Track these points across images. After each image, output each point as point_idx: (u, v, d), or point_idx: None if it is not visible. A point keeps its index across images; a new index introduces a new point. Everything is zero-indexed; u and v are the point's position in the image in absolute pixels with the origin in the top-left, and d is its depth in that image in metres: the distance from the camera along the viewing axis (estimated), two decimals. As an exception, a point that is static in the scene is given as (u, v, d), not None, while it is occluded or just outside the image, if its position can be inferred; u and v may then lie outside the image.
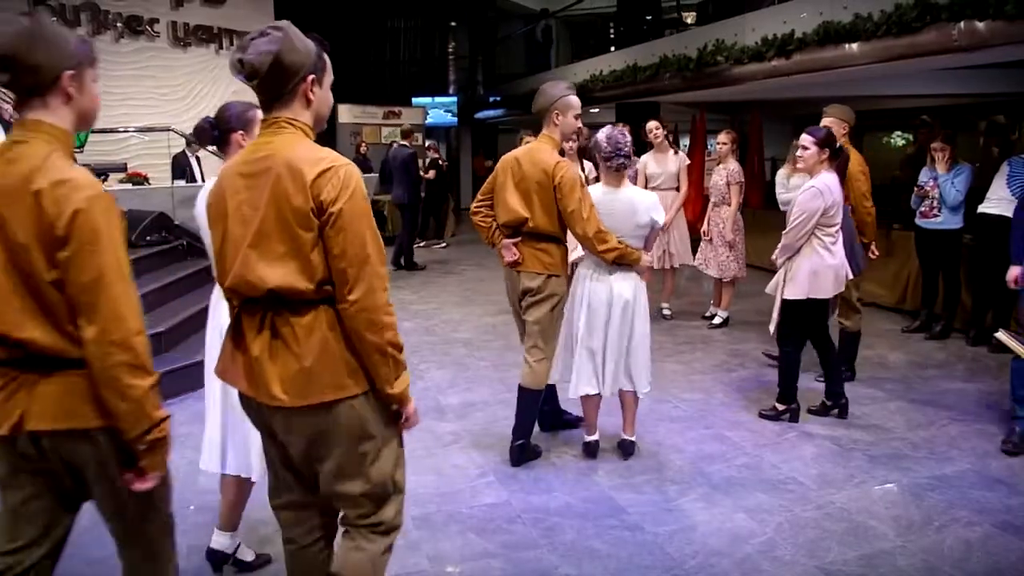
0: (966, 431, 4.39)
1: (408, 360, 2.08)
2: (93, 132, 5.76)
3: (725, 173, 6.73)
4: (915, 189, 6.26)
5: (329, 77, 2.03)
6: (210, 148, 2.94)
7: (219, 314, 2.73)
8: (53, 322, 1.76)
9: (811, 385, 5.13)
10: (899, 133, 15.92)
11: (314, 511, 2.20)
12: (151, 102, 10.28)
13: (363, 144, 14.17)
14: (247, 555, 3.10)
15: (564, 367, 4.06)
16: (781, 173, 6.30)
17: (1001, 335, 3.07)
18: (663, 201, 6.69)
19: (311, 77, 1.95)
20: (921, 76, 9.28)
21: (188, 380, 5.15)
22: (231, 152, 2.80)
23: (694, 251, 7.04)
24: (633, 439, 4.09)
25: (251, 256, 1.90)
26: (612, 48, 14.27)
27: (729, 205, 6.68)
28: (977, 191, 6.04)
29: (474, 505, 3.56)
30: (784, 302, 4.45)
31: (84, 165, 6.01)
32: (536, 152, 3.81)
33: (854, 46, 7.35)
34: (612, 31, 15.16)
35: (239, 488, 2.95)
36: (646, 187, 6.69)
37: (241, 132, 2.79)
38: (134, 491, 1.93)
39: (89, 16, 9.64)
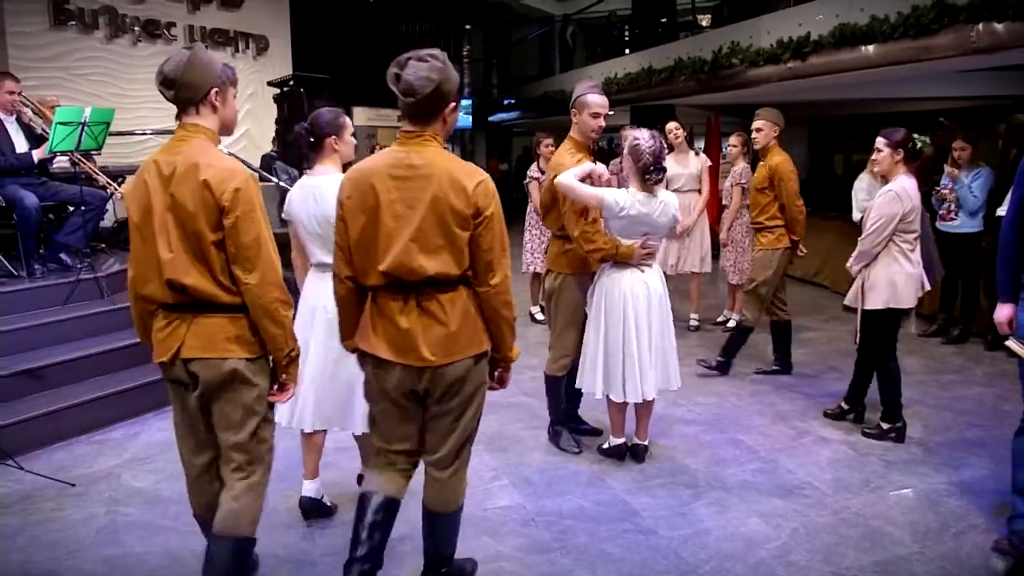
0: (984, 436, 4.35)
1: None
2: (110, 135, 5.78)
3: (735, 175, 6.72)
4: (933, 192, 6.22)
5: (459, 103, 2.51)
6: (225, 150, 3.27)
7: (315, 294, 3.18)
8: (210, 273, 2.36)
9: (831, 389, 5.10)
10: (916, 136, 15.83)
11: (413, 444, 2.66)
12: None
13: (378, 146, 14.21)
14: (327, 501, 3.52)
15: (603, 376, 3.85)
16: (865, 178, 6.25)
17: (1011, 343, 3.03)
18: (685, 203, 6.71)
19: (453, 104, 2.45)
20: (938, 78, 9.21)
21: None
22: (324, 155, 3.23)
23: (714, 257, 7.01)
24: (647, 443, 4.08)
25: (412, 248, 2.35)
26: (627, 51, 14.25)
27: (740, 207, 6.67)
28: (997, 193, 5.98)
29: (487, 508, 3.56)
30: (865, 313, 4.28)
31: (101, 167, 6.03)
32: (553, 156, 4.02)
33: (870, 48, 7.30)
34: (627, 34, 15.11)
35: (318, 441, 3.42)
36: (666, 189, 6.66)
37: (334, 137, 3.20)
38: (247, 410, 2.48)
39: (107, 20, 9.71)
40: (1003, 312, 3.19)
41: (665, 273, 4.19)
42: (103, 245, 6.80)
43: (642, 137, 3.73)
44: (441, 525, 2.70)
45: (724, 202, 6.81)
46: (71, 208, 5.78)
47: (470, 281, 2.47)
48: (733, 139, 6.86)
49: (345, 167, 3.04)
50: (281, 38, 11.87)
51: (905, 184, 4.14)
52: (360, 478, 3.62)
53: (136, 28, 10.03)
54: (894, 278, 4.15)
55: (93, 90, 9.38)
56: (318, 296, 3.14)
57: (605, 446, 4.11)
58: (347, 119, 3.19)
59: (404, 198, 2.36)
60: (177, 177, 2.35)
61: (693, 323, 7.00)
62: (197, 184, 2.32)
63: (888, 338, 4.31)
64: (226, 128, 2.56)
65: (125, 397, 4.71)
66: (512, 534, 3.31)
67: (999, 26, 5.95)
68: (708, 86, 10.06)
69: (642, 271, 3.80)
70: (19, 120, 5.60)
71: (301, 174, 7.50)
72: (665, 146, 3.80)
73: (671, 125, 6.92)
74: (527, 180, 6.98)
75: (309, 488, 3.46)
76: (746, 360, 5.91)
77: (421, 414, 2.60)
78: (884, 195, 4.17)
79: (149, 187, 2.40)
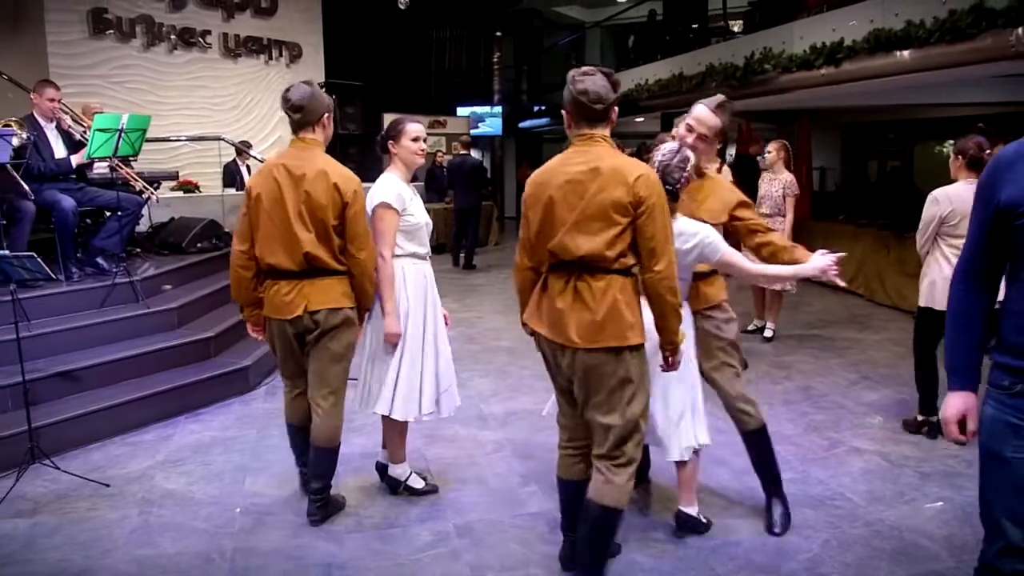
0: None
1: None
2: (147, 141, 5.89)
3: (780, 184, 6.63)
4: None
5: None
6: (258, 156, 3.59)
7: (413, 284, 3.54)
8: (331, 251, 3.26)
9: (864, 399, 5.02)
10: (951, 142, 15.57)
11: (580, 432, 2.85)
12: (202, 112, 10.50)
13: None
14: (417, 482, 3.75)
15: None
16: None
17: None
18: None
19: (616, 109, 2.68)
20: (974, 83, 9.06)
21: (236, 385, 5.25)
22: (389, 160, 3.59)
23: None
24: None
25: (573, 231, 2.60)
26: (658, 56, 14.21)
27: (783, 216, 6.58)
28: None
29: (517, 514, 3.55)
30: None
31: (138, 173, 6.10)
32: None
33: (906, 53, 7.21)
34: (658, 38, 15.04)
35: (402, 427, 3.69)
36: None
37: (391, 141, 3.53)
38: (331, 352, 3.35)
39: (144, 28, 9.88)
40: (955, 404, 2.02)
41: None
42: (138, 250, 6.92)
43: (660, 149, 3.09)
44: (598, 519, 2.76)
45: (763, 211, 6.64)
46: (108, 213, 5.89)
47: (624, 272, 2.62)
48: (771, 145, 6.81)
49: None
50: (314, 46, 11.99)
51: (951, 189, 4.25)
52: (377, 464, 3.88)
53: (172, 36, 10.19)
54: (934, 278, 4.28)
55: (130, 97, 9.55)
56: (429, 283, 3.61)
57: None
58: (408, 126, 3.50)
59: (575, 191, 2.61)
60: (309, 179, 3.20)
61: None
62: (328, 185, 3.20)
63: (924, 336, 4.43)
64: (327, 142, 3.40)
65: (158, 399, 4.77)
66: (541, 541, 3.30)
67: (1039, 30, 5.85)
68: (740, 92, 10.00)
69: None
70: (59, 127, 5.71)
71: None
72: (683, 159, 3.02)
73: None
74: None
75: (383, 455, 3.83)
76: (776, 367, 5.84)
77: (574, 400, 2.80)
78: (928, 198, 4.34)
79: (280, 183, 3.23)
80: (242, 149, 9.64)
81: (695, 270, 3.17)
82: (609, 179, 2.57)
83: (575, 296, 2.63)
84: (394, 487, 3.76)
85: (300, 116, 3.28)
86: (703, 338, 3.33)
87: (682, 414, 3.15)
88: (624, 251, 2.59)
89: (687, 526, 3.32)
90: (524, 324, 2.90)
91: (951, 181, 4.34)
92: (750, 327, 7.02)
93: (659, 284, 2.59)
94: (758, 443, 3.41)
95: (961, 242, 4.07)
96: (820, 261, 3.05)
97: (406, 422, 3.64)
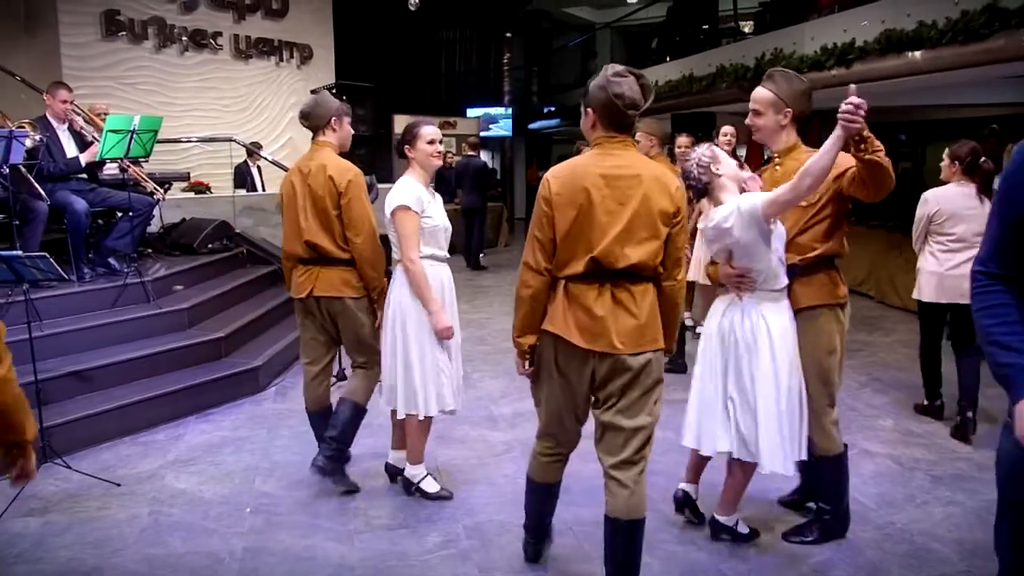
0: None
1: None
2: (158, 142, 5.91)
3: None
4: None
5: None
6: (269, 158, 3.70)
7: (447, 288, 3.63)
8: (332, 238, 3.62)
9: (873, 401, 5.00)
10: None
11: (571, 441, 2.91)
12: (213, 113, 10.53)
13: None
14: (431, 486, 3.74)
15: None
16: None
17: None
18: None
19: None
20: (986, 84, 9.01)
21: (247, 385, 5.27)
22: (408, 162, 3.64)
23: None
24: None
25: (622, 239, 2.56)
26: (668, 58, 14.18)
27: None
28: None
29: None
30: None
31: (149, 174, 6.14)
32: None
33: (917, 54, 7.17)
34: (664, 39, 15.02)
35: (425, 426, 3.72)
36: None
37: (407, 145, 3.61)
38: (363, 328, 3.73)
39: (156, 30, 9.93)
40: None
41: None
42: (150, 250, 6.95)
43: (691, 157, 3.17)
44: (627, 534, 2.70)
45: None
46: (119, 214, 5.92)
47: (655, 279, 2.67)
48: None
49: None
50: (325, 47, 12.02)
51: (940, 190, 4.58)
52: (387, 466, 3.92)
53: (184, 38, 10.23)
54: (919, 270, 4.70)
55: (142, 99, 9.59)
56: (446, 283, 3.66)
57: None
58: (423, 129, 3.57)
59: (615, 196, 2.57)
60: (312, 174, 3.61)
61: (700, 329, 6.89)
62: (325, 177, 3.57)
63: (924, 326, 4.79)
64: (342, 145, 3.79)
65: (169, 400, 4.79)
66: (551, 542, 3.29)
67: (1054, 31, 5.81)
68: (751, 93, 9.96)
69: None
70: (71, 128, 5.74)
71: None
72: (708, 157, 3.06)
73: (681, 140, 6.65)
74: None
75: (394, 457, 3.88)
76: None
77: (588, 404, 2.78)
78: (920, 199, 4.68)
79: (293, 183, 3.68)
80: (253, 150, 9.67)
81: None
82: (653, 187, 2.57)
83: (615, 303, 2.60)
84: (408, 487, 3.76)
85: (307, 123, 3.73)
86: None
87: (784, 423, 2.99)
88: (663, 260, 2.64)
89: (721, 533, 3.28)
90: (523, 335, 2.74)
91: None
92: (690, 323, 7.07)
93: (678, 292, 2.70)
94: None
95: (947, 239, 4.45)
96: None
97: (429, 423, 3.66)
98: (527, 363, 2.79)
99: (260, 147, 9.98)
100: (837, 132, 2.72)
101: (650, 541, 3.27)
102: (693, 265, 6.70)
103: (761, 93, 3.11)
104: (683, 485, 3.48)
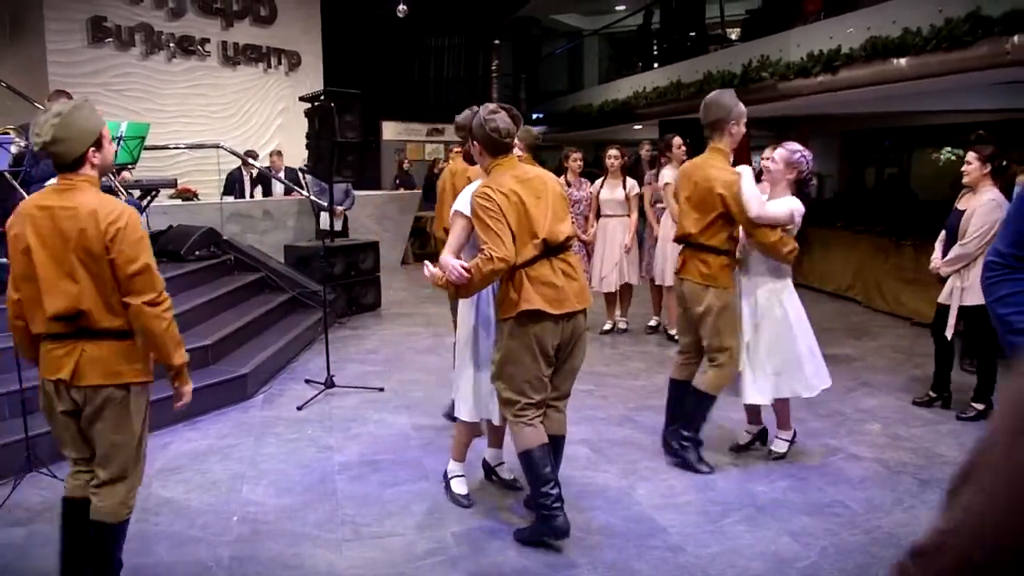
0: None
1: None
2: (145, 149, 5.89)
3: None
4: None
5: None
6: (260, 166, 3.63)
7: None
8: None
9: (862, 405, 5.02)
10: (949, 149, 15.59)
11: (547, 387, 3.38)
12: (201, 120, 10.51)
13: (406, 160, 14.29)
14: (506, 474, 3.93)
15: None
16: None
17: None
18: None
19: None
20: (971, 91, 9.10)
21: (234, 393, 5.24)
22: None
23: None
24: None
25: (554, 221, 3.25)
26: (655, 64, 14.24)
27: None
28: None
29: (514, 522, 3.54)
30: (966, 309, 4.69)
31: (136, 181, 6.11)
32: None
33: (903, 61, 7.23)
34: (655, 47, 15.10)
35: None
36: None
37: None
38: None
39: (143, 37, 9.91)
40: None
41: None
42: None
43: (802, 150, 4.01)
44: (562, 446, 3.51)
45: None
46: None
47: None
48: (768, 152, 6.81)
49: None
50: (313, 54, 12.02)
51: (1002, 197, 4.60)
52: (484, 462, 4.02)
53: (171, 44, 10.22)
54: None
55: (129, 105, 9.56)
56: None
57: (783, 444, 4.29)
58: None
59: (535, 190, 3.27)
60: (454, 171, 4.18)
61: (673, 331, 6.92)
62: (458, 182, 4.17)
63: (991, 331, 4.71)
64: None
65: (155, 407, 4.71)
66: (539, 549, 3.28)
67: (1035, 38, 5.87)
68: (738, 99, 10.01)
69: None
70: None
71: (331, 188, 7.58)
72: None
73: (677, 140, 6.86)
74: None
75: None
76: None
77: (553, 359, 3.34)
78: (987, 204, 4.56)
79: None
80: (246, 160, 9.64)
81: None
82: (548, 179, 3.40)
83: (565, 273, 3.27)
84: (506, 482, 3.93)
85: (464, 135, 4.11)
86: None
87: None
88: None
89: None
90: (524, 313, 3.21)
91: (951, 187, 4.51)
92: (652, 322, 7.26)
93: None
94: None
95: None
96: None
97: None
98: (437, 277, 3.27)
99: (256, 156, 9.96)
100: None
101: (640, 546, 3.29)
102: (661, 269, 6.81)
103: None
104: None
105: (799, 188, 4.00)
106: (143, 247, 2.60)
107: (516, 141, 3.46)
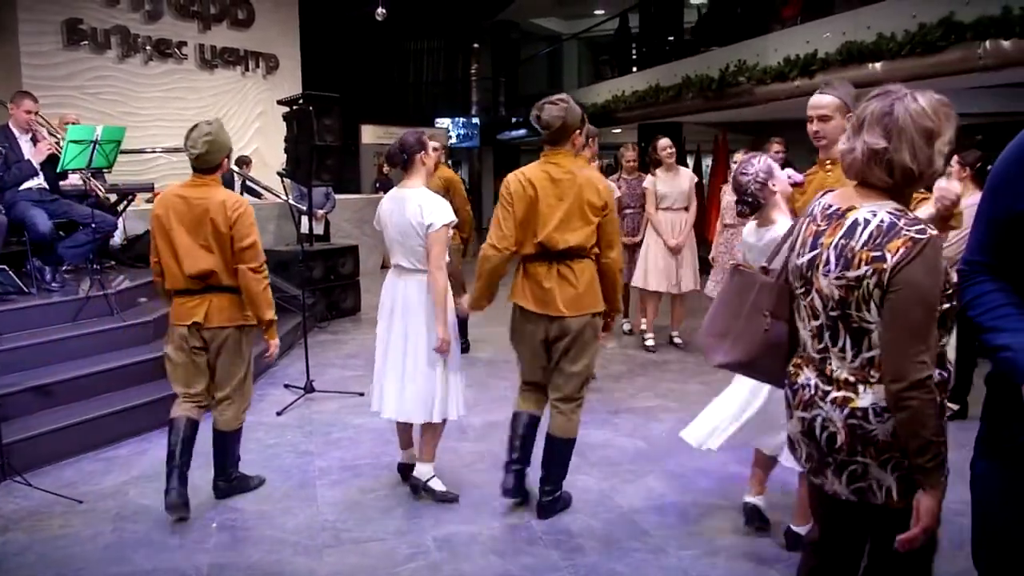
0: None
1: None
2: (121, 153, 5.83)
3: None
4: None
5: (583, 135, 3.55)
6: (246, 174, 3.59)
7: (392, 290, 3.71)
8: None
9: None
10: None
11: (541, 379, 3.59)
12: (178, 123, 10.36)
13: (385, 164, 14.24)
14: (438, 485, 3.80)
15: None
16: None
17: None
18: (676, 221, 6.64)
19: (577, 131, 3.44)
20: (947, 95, 9.21)
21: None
22: (414, 170, 3.68)
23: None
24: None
25: (560, 228, 3.32)
26: (634, 68, 14.31)
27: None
28: None
29: (494, 526, 3.54)
30: None
31: (112, 185, 6.05)
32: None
33: (877, 65, 7.33)
34: (634, 51, 15.18)
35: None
36: (656, 208, 6.56)
37: (422, 152, 3.66)
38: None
39: (119, 39, 9.81)
40: None
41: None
42: (112, 263, 6.83)
43: (739, 165, 3.26)
44: (560, 449, 3.54)
45: (726, 221, 6.52)
46: (81, 226, 5.81)
47: (595, 257, 3.41)
48: (739, 156, 6.83)
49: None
50: (291, 57, 11.97)
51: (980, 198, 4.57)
52: (400, 466, 4.01)
53: (148, 48, 10.12)
54: None
55: (105, 109, 9.47)
56: (396, 295, 3.69)
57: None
58: (426, 137, 3.72)
59: (557, 193, 3.34)
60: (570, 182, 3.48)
61: (677, 341, 6.92)
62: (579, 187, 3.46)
63: (965, 334, 4.79)
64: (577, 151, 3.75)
65: (133, 414, 4.71)
66: (520, 553, 3.29)
67: (1006, 43, 5.97)
68: (716, 104, 10.09)
69: None
70: (34, 139, 5.64)
71: (309, 191, 7.53)
72: (765, 173, 3.11)
73: (663, 142, 6.66)
74: None
75: (404, 456, 3.98)
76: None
77: (547, 359, 3.51)
78: (969, 208, 4.57)
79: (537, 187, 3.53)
80: (237, 171, 9.57)
81: None
82: (586, 187, 3.33)
83: (560, 277, 3.37)
84: (416, 488, 3.80)
85: (551, 136, 3.54)
86: None
87: None
88: (595, 243, 3.39)
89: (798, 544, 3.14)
90: (476, 308, 3.63)
91: (925, 189, 4.54)
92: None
93: (612, 267, 3.44)
94: None
95: None
96: None
97: (444, 424, 3.75)
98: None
99: (249, 162, 9.87)
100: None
101: (621, 548, 3.30)
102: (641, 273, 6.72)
103: (826, 99, 3.04)
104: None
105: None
106: (253, 229, 3.49)
107: (814, 108, 3.00)
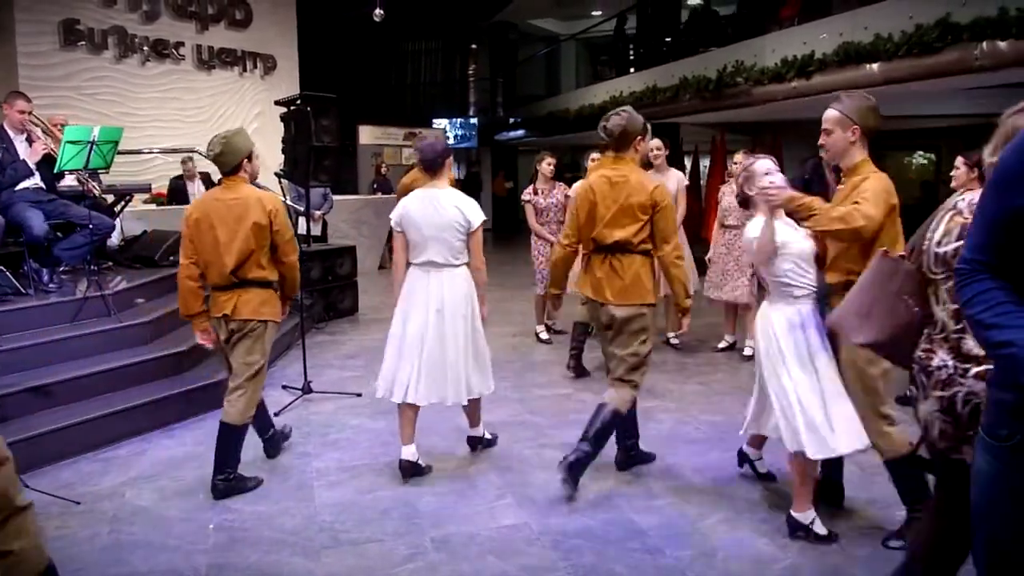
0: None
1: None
2: (118, 154, 5.82)
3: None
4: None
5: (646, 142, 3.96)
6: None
7: (426, 287, 4.02)
8: None
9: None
10: (921, 153, 15.81)
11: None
12: (175, 124, 10.41)
13: (382, 165, 14.23)
14: (488, 435, 4.44)
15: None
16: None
17: None
18: None
19: (639, 138, 3.84)
20: (943, 96, 9.23)
21: (209, 399, 5.18)
22: (443, 173, 4.04)
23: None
24: None
25: (609, 224, 3.77)
26: (632, 69, 14.32)
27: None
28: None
29: (493, 527, 3.54)
30: None
31: (109, 186, 6.03)
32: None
33: (874, 66, 7.33)
34: (632, 52, 15.18)
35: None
36: None
37: (450, 158, 4.08)
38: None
39: (116, 40, 9.80)
40: None
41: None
42: (110, 263, 6.83)
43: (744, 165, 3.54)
44: (605, 416, 3.81)
45: (726, 222, 6.51)
46: (78, 227, 5.81)
47: (645, 252, 3.80)
48: (738, 156, 6.83)
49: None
50: (288, 57, 11.96)
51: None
52: (470, 438, 4.43)
53: (145, 48, 10.12)
54: None
55: (102, 109, 9.46)
56: (430, 289, 3.99)
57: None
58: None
59: (612, 195, 3.78)
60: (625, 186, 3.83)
61: (674, 341, 6.90)
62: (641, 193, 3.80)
63: None
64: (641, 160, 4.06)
65: (131, 414, 4.71)
66: (518, 553, 3.29)
67: (1002, 44, 5.98)
68: (713, 104, 10.10)
69: None
70: (29, 139, 5.64)
71: (307, 192, 7.52)
72: (745, 175, 3.40)
73: (654, 143, 6.55)
74: (525, 201, 6.94)
75: (407, 452, 4.03)
76: (752, 376, 5.88)
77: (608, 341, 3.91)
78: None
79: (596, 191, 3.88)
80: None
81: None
82: (635, 188, 3.73)
83: (610, 269, 3.79)
84: (474, 445, 4.43)
85: (612, 142, 3.88)
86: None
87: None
88: (645, 239, 3.77)
89: (796, 531, 3.37)
90: (555, 295, 4.26)
91: (922, 190, 4.54)
92: (721, 345, 6.84)
93: (668, 260, 3.78)
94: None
95: None
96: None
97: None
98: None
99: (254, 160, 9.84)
100: (763, 211, 3.22)
101: (619, 549, 3.30)
102: None
103: (829, 113, 3.25)
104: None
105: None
106: (289, 223, 3.93)
107: (823, 123, 3.19)
